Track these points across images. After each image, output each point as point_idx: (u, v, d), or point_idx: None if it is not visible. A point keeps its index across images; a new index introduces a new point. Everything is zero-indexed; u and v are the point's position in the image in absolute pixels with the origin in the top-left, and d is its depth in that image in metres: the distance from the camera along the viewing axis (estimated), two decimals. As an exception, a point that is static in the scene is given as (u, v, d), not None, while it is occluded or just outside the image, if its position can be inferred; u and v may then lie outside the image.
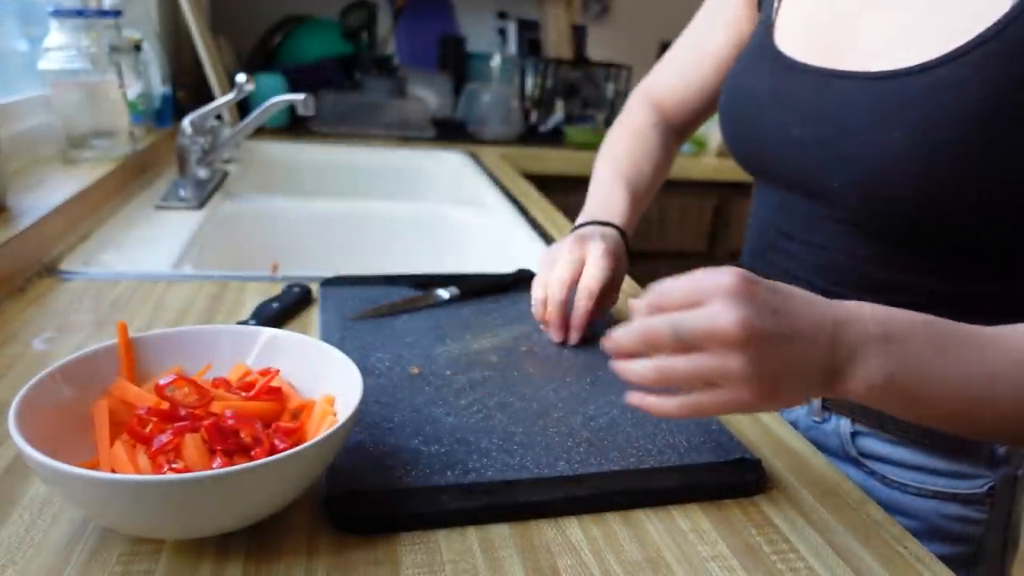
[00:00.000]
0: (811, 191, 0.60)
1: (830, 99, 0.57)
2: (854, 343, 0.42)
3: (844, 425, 0.63)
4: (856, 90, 0.55)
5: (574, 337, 0.66)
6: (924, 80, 0.51)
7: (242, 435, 0.42)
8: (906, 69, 0.52)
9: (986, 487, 0.60)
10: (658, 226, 1.86)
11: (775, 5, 0.66)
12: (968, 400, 0.43)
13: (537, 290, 0.67)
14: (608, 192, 0.78)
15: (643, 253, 1.87)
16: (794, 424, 0.66)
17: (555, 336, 0.67)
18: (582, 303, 0.65)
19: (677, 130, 0.86)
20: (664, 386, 0.43)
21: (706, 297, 0.41)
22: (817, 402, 0.65)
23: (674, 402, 0.43)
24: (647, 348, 0.43)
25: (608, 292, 0.68)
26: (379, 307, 0.72)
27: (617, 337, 0.44)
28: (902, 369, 0.42)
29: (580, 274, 0.66)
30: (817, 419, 0.65)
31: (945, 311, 0.45)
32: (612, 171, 0.80)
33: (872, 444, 0.62)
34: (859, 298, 0.44)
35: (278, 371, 0.49)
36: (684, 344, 0.41)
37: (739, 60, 0.69)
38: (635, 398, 0.45)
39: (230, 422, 0.42)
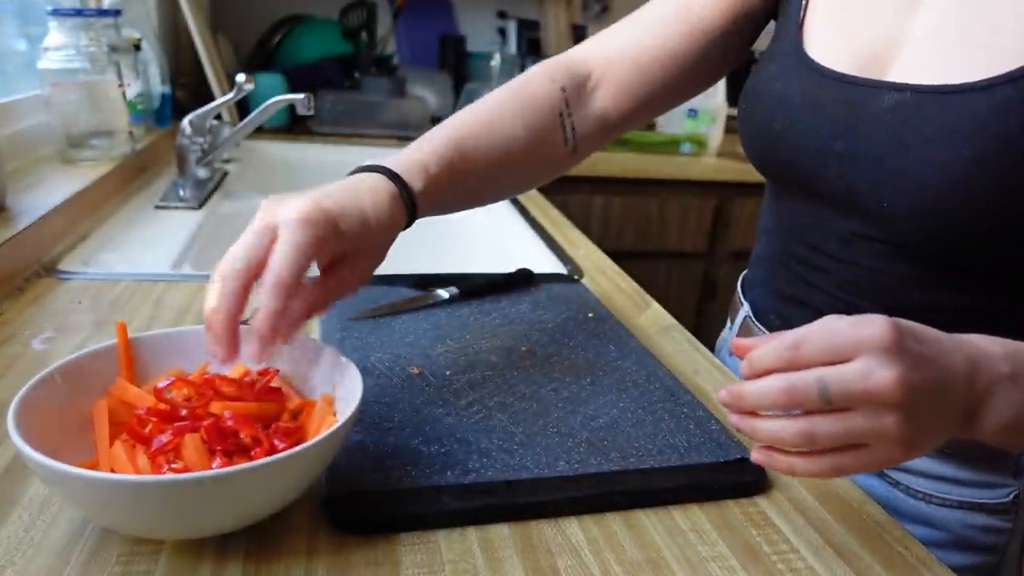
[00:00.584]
0: (851, 207, 0.56)
1: (883, 113, 0.53)
2: (988, 385, 0.40)
3: None
4: (916, 104, 0.51)
5: (253, 352, 0.43)
6: (996, 96, 0.48)
7: (242, 435, 0.42)
8: (970, 84, 0.49)
9: (1011, 496, 0.59)
10: (658, 226, 1.86)
11: (803, 1, 0.61)
12: None
13: (212, 280, 0.44)
14: (419, 140, 0.57)
15: (643, 253, 1.88)
16: None
17: (216, 352, 0.43)
18: (264, 303, 0.42)
19: (608, 110, 0.67)
20: (804, 448, 0.39)
21: (854, 351, 0.37)
22: None
23: (817, 465, 0.40)
24: (787, 407, 0.39)
25: (325, 284, 0.47)
26: (379, 307, 0.72)
27: (745, 392, 0.39)
28: None
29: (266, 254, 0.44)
30: None
31: (975, 328, 0.44)
32: (446, 122, 0.60)
33: None
34: (889, 314, 0.41)
35: (277, 371, 0.49)
36: (831, 406, 0.38)
37: (763, 65, 0.63)
38: (765, 458, 0.41)
39: (229, 423, 0.42)
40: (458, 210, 0.61)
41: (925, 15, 0.53)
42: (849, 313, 0.40)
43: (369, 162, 0.53)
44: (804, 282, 0.62)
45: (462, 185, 0.58)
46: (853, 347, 0.38)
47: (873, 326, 0.38)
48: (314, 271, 0.46)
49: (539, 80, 0.65)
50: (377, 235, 0.49)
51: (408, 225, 0.54)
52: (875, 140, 0.53)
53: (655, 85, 0.67)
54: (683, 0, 0.67)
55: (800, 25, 0.61)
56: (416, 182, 0.53)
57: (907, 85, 0.52)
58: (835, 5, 0.59)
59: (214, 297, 0.43)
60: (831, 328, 0.39)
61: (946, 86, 0.50)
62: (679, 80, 0.67)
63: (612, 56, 0.67)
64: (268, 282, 0.42)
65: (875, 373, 0.37)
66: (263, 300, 0.42)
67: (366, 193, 0.49)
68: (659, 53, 0.66)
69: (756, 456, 0.41)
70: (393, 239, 0.52)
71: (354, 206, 0.47)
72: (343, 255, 0.48)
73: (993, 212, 0.49)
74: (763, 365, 0.39)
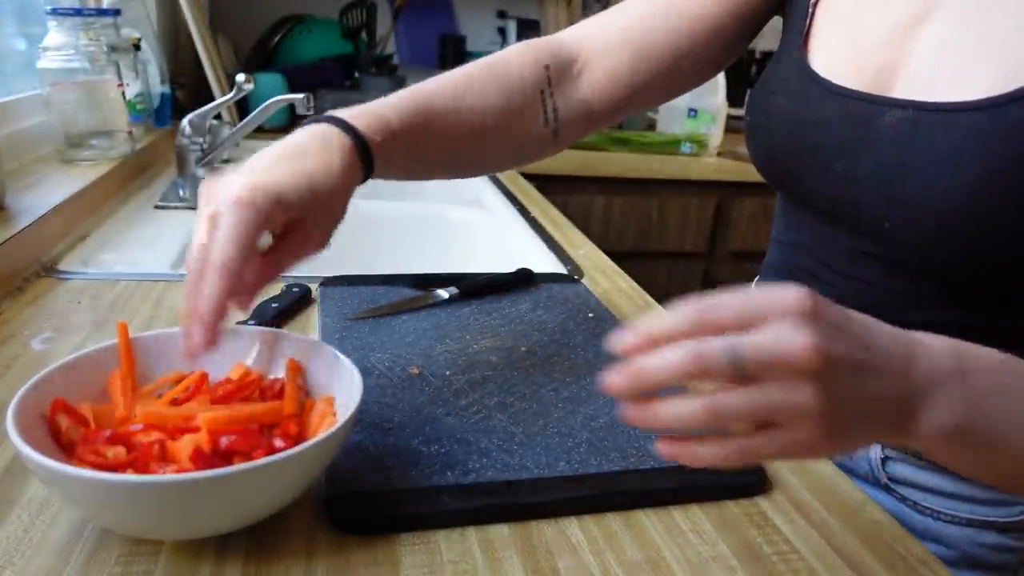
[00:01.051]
0: (854, 225, 0.55)
1: (886, 130, 0.51)
2: (928, 378, 0.35)
3: (874, 450, 0.60)
4: (918, 123, 0.50)
5: (197, 341, 0.43)
6: (1000, 115, 0.46)
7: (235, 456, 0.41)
8: (974, 102, 0.47)
9: (1022, 514, 0.57)
10: (658, 226, 1.86)
11: (809, 10, 0.59)
12: None
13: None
14: (383, 98, 0.54)
15: (643, 253, 1.87)
16: None
17: (185, 349, 0.44)
18: (205, 290, 0.43)
19: (594, 97, 0.64)
20: (712, 427, 0.34)
21: (768, 316, 0.33)
22: None
23: (726, 449, 0.34)
24: (694, 377, 0.33)
25: (279, 250, 0.47)
26: (379, 307, 0.72)
27: (646, 367, 0.34)
28: (978, 412, 0.36)
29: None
30: None
31: (984, 344, 0.41)
32: (413, 85, 0.57)
33: (903, 470, 0.59)
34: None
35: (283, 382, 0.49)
36: (742, 373, 0.33)
37: (769, 74, 0.62)
38: (669, 448, 0.35)
39: (224, 441, 0.41)
40: (423, 176, 0.59)
41: (930, 29, 0.52)
42: None
43: (326, 113, 0.50)
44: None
45: (426, 145, 0.55)
46: (766, 312, 0.33)
47: (790, 292, 0.34)
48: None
49: (520, 56, 0.62)
50: (328, 197, 0.47)
51: (365, 179, 0.51)
52: (878, 158, 0.52)
53: (649, 74, 0.63)
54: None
55: (805, 35, 0.59)
56: (374, 134, 0.50)
57: (910, 102, 0.51)
58: (841, 17, 0.57)
59: (182, 299, 0.43)
60: (743, 294, 0.34)
61: (950, 104, 0.48)
62: (675, 71, 0.64)
63: (603, 41, 0.64)
64: (208, 268, 0.42)
65: (789, 338, 0.32)
66: (204, 287, 0.42)
67: (313, 155, 0.47)
68: (654, 41, 0.63)
69: (660, 446, 0.36)
70: (348, 197, 0.50)
71: (299, 172, 0.45)
72: (295, 221, 0.47)
73: (996, 231, 0.48)
74: (667, 332, 0.34)
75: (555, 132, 0.63)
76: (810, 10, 0.60)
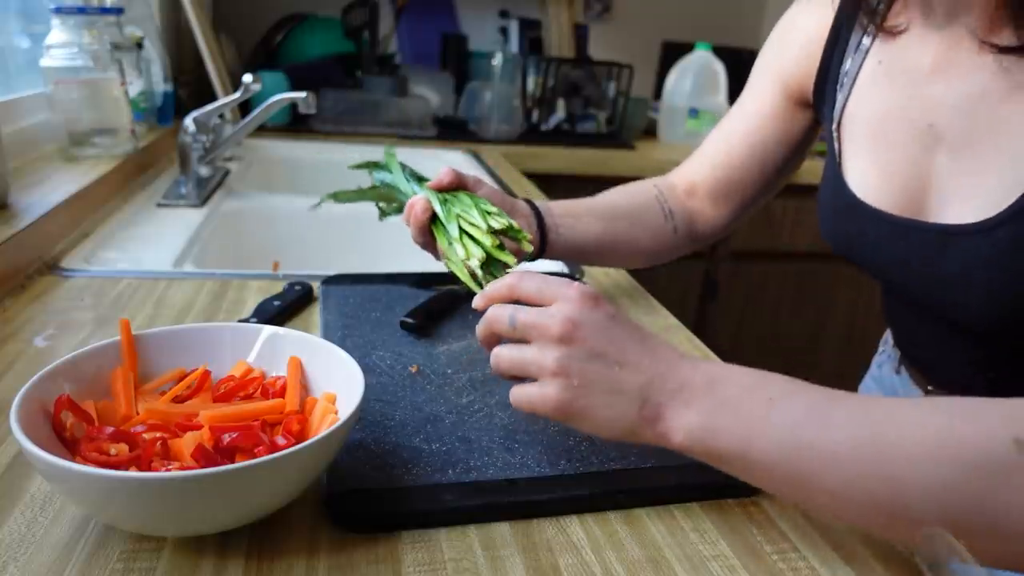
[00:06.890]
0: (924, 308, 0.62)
1: (916, 251, 0.57)
2: (678, 383, 0.43)
3: None
4: (947, 243, 0.55)
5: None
6: (995, 237, 0.51)
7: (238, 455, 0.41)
8: (968, 227, 0.52)
9: None
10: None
11: (834, 133, 0.65)
12: (802, 466, 0.40)
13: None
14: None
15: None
16: None
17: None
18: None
19: (703, 210, 0.81)
20: (501, 373, 0.47)
21: (556, 298, 0.45)
22: None
23: (514, 394, 0.46)
24: (491, 334, 0.48)
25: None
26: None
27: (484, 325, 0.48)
28: (723, 418, 0.42)
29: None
30: None
31: None
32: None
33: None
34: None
35: (286, 380, 0.49)
36: (517, 335, 0.45)
37: (820, 193, 0.68)
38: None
39: (226, 438, 0.41)
40: (585, 252, 0.75)
41: (942, 156, 0.56)
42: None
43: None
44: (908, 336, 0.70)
45: (575, 221, 0.73)
46: (555, 296, 0.45)
47: (572, 288, 0.45)
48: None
49: (637, 183, 0.82)
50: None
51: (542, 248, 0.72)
52: (920, 274, 0.57)
53: (744, 191, 0.78)
54: (746, 117, 0.76)
55: (839, 160, 0.64)
56: (548, 210, 0.73)
57: (935, 225, 0.56)
58: (867, 146, 0.62)
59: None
60: (548, 281, 0.46)
61: (954, 227, 0.54)
62: (761, 180, 0.77)
63: (696, 176, 0.80)
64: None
65: (554, 311, 0.44)
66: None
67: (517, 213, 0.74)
68: (737, 166, 0.77)
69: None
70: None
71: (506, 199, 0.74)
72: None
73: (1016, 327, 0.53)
74: (491, 295, 0.48)
75: (675, 228, 0.79)
76: (835, 134, 0.65)
